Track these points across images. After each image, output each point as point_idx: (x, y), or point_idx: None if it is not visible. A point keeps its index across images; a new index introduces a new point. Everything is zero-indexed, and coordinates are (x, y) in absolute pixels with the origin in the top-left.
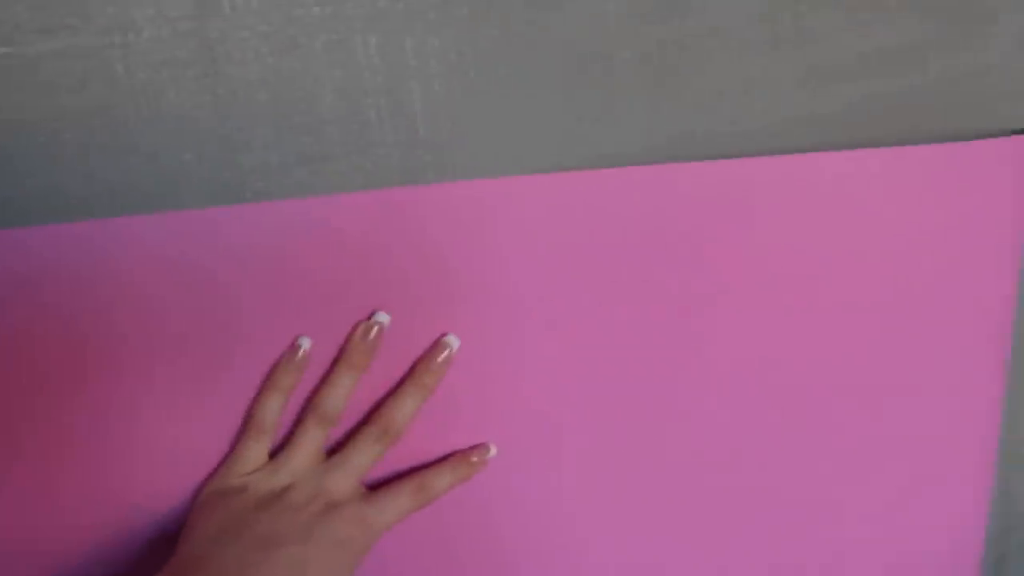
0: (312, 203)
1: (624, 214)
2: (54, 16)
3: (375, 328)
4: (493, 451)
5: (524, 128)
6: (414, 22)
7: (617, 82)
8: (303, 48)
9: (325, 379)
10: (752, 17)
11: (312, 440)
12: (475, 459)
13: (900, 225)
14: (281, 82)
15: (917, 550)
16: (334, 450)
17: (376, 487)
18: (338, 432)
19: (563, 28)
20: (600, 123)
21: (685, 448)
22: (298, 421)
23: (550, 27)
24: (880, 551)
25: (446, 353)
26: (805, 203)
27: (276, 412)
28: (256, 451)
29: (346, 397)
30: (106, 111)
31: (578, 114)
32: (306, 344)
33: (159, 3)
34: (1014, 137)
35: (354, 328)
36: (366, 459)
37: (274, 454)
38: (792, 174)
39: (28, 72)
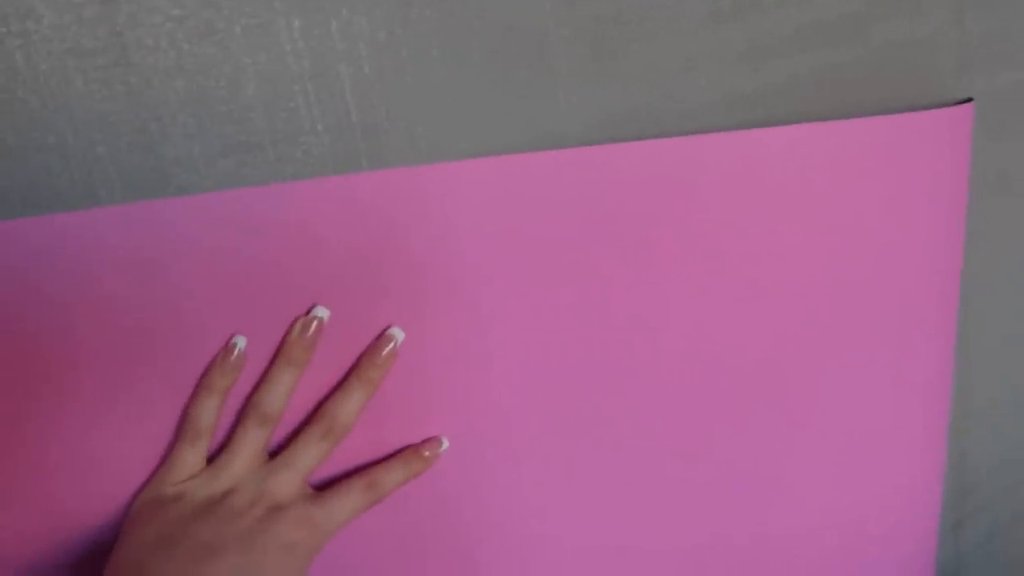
0: (242, 194)
1: (567, 196)
2: None
3: (314, 323)
4: (445, 444)
5: (461, 110)
6: (339, 3)
7: (555, 60)
8: (221, 33)
9: (264, 377)
10: None
11: (253, 441)
12: (427, 453)
13: (847, 197)
14: (199, 69)
15: (876, 518)
16: (277, 453)
17: (325, 487)
18: (281, 433)
19: (497, 4)
20: (539, 103)
21: (637, 429)
22: (237, 422)
23: (484, 3)
24: (839, 520)
25: (391, 346)
26: (751, 179)
27: (212, 415)
28: (192, 456)
29: (286, 395)
30: (7, 105)
31: (516, 94)
32: (241, 343)
33: None
34: (957, 107)
35: (292, 324)
36: (311, 459)
37: (213, 459)
38: (737, 151)
39: None
